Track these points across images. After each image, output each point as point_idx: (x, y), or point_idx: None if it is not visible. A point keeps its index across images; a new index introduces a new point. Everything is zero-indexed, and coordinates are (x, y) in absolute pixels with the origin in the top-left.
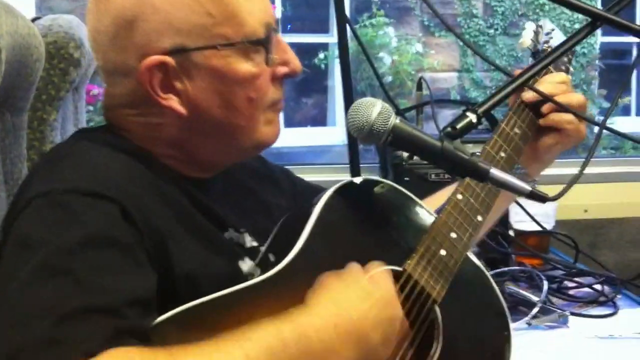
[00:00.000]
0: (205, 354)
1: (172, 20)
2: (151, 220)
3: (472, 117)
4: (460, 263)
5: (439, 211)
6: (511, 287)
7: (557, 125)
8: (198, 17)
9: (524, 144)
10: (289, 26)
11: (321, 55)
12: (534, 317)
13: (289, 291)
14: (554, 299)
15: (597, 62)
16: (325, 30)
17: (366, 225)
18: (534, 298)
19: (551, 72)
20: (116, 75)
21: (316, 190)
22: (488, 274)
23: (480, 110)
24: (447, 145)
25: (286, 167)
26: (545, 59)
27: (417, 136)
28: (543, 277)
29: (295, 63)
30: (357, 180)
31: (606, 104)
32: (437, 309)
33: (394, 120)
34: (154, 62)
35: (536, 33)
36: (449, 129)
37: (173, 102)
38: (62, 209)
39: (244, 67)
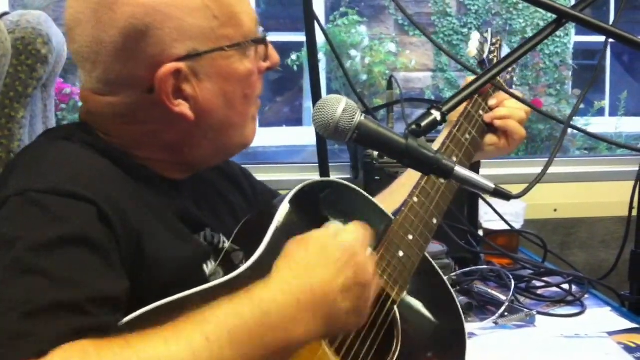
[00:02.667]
0: (162, 340)
1: (184, 26)
2: (127, 223)
3: (436, 114)
4: (416, 265)
5: (395, 213)
6: (480, 286)
7: (503, 126)
8: (206, 21)
9: (474, 151)
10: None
11: (293, 57)
12: (502, 316)
13: None
14: (522, 299)
15: (570, 62)
16: (300, 29)
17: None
18: (502, 297)
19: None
20: (118, 85)
21: (273, 194)
22: (444, 276)
23: (445, 108)
24: (412, 143)
25: (254, 165)
26: (508, 58)
27: (382, 133)
28: (511, 277)
29: (276, 56)
30: (318, 181)
31: (582, 105)
32: (396, 310)
33: (359, 117)
34: (170, 69)
35: (481, 43)
36: (413, 126)
37: (184, 107)
38: (39, 209)
39: (243, 65)
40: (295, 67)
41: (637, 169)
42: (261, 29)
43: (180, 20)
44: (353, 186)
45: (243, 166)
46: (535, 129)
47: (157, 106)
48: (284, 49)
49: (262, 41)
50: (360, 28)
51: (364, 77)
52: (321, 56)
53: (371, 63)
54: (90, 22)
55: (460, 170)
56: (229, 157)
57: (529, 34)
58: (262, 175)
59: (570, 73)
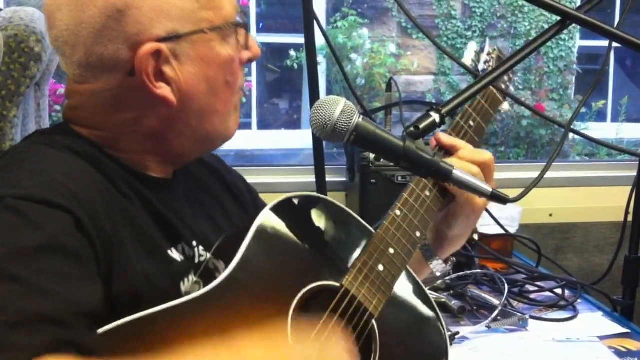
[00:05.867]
0: None
1: (163, 6)
2: (103, 233)
3: (435, 116)
4: (398, 278)
5: (377, 227)
6: (473, 290)
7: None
8: (186, 2)
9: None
10: (261, 25)
11: (292, 54)
12: (495, 320)
13: (227, 305)
14: (515, 303)
15: (574, 66)
16: (300, 30)
17: (305, 241)
18: (495, 301)
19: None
20: (99, 69)
21: None
22: (427, 290)
23: (444, 110)
24: (409, 145)
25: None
26: (510, 60)
27: (380, 135)
28: (505, 281)
29: (256, 47)
30: (295, 196)
31: (582, 109)
32: (375, 323)
33: (357, 119)
34: (150, 50)
35: (477, 53)
36: (411, 128)
37: (165, 90)
38: (16, 215)
39: (224, 50)
40: (295, 66)
41: (633, 174)
42: (240, 20)
43: (160, 0)
44: (332, 200)
45: (252, 186)
46: (536, 134)
47: (138, 90)
48: (282, 50)
49: (242, 25)
50: (362, 30)
51: (364, 80)
52: (321, 59)
53: (372, 65)
54: (70, 5)
55: (459, 173)
56: (211, 149)
57: (534, 36)
58: (257, 177)
59: (574, 78)
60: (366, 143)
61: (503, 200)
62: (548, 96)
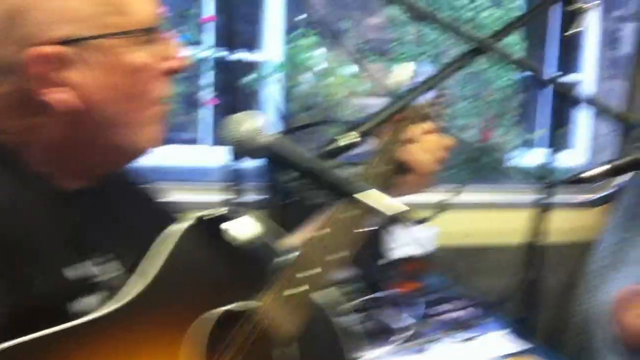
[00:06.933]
0: None
1: (64, 9)
2: (4, 244)
3: (352, 135)
4: (316, 299)
5: (301, 245)
6: (382, 312)
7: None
8: (91, 6)
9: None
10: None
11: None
12: (403, 341)
13: (128, 329)
14: (425, 324)
15: (516, 93)
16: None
17: (221, 260)
18: (405, 323)
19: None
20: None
21: None
22: (335, 315)
23: (360, 129)
24: (321, 164)
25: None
26: (426, 83)
27: (294, 153)
28: (415, 303)
29: (179, 57)
30: (212, 213)
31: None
32: (293, 345)
33: (271, 136)
34: (45, 52)
35: (400, 76)
36: (326, 148)
37: (63, 95)
38: None
39: (133, 57)
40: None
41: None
42: (155, 27)
43: (62, 2)
44: (254, 216)
45: (171, 205)
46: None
47: (36, 95)
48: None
49: (150, 31)
50: (319, 51)
51: (319, 100)
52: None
53: (327, 86)
54: None
55: (364, 197)
56: (123, 163)
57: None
58: (169, 195)
59: (515, 106)
60: (278, 160)
61: (407, 223)
62: (492, 123)
